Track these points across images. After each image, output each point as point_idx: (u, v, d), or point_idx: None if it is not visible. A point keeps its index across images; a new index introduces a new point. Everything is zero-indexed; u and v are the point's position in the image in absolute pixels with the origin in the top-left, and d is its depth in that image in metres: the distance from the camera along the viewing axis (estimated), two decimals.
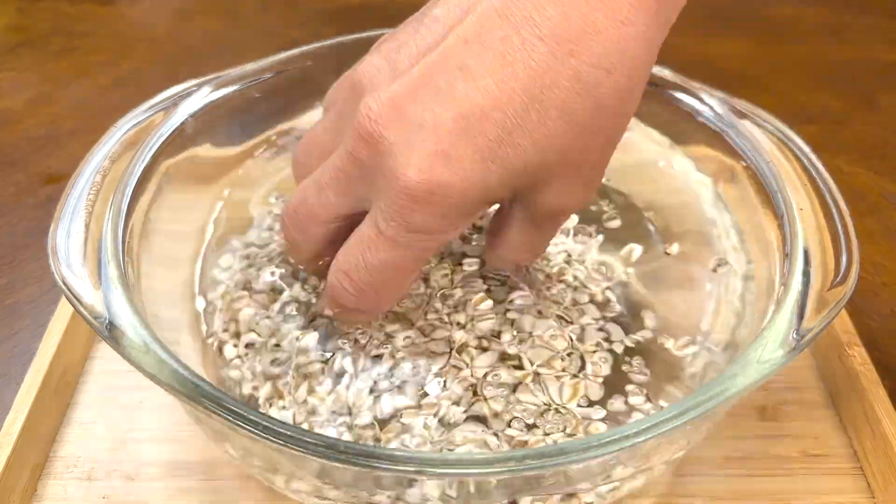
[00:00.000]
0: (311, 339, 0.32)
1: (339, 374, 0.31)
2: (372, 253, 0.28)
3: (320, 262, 0.32)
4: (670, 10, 0.27)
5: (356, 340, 0.32)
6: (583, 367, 0.31)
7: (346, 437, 0.29)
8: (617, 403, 0.31)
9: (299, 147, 0.33)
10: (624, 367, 0.32)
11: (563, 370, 0.31)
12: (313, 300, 0.34)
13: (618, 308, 0.34)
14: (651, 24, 0.26)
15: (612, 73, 0.25)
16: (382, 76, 0.28)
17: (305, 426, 0.30)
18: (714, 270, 0.35)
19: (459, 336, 0.32)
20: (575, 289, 0.34)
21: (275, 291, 0.34)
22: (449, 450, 0.29)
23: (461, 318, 0.33)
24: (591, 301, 0.34)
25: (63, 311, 0.37)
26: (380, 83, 0.28)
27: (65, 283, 0.28)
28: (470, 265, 0.35)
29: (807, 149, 0.34)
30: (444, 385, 0.30)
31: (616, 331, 0.33)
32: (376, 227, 0.27)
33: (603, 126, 0.27)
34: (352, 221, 0.29)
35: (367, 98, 0.27)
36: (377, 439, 0.29)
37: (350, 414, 0.30)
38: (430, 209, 0.26)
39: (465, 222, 0.28)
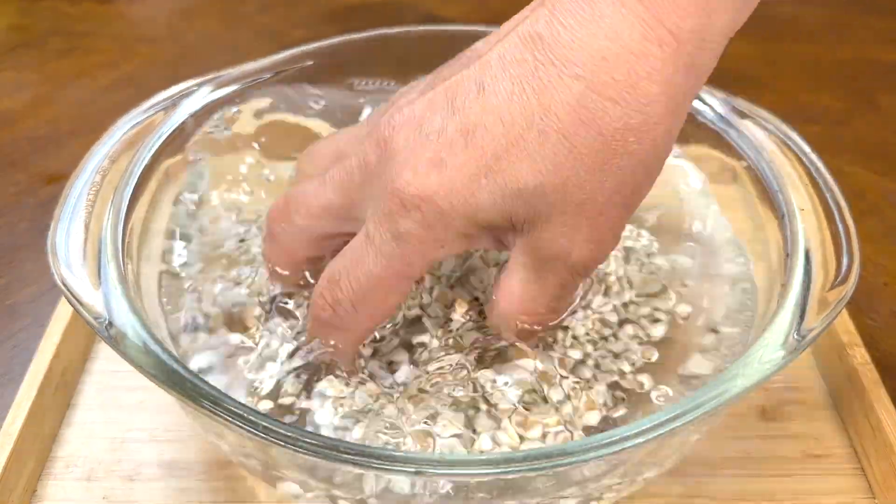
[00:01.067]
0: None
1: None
2: (358, 261, 0.28)
3: (287, 272, 0.32)
4: (694, 50, 0.25)
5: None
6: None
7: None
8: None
9: (316, 143, 0.33)
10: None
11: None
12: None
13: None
14: (669, 63, 0.25)
15: (619, 104, 0.25)
16: (413, 94, 0.29)
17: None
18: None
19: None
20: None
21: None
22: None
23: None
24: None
25: (63, 311, 0.37)
26: (410, 100, 0.28)
27: (64, 284, 0.28)
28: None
29: (807, 149, 0.34)
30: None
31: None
32: (366, 233, 0.28)
33: (611, 165, 0.25)
34: (332, 244, 0.30)
35: (391, 109, 0.28)
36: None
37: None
38: (417, 216, 0.26)
39: (455, 243, 0.27)
